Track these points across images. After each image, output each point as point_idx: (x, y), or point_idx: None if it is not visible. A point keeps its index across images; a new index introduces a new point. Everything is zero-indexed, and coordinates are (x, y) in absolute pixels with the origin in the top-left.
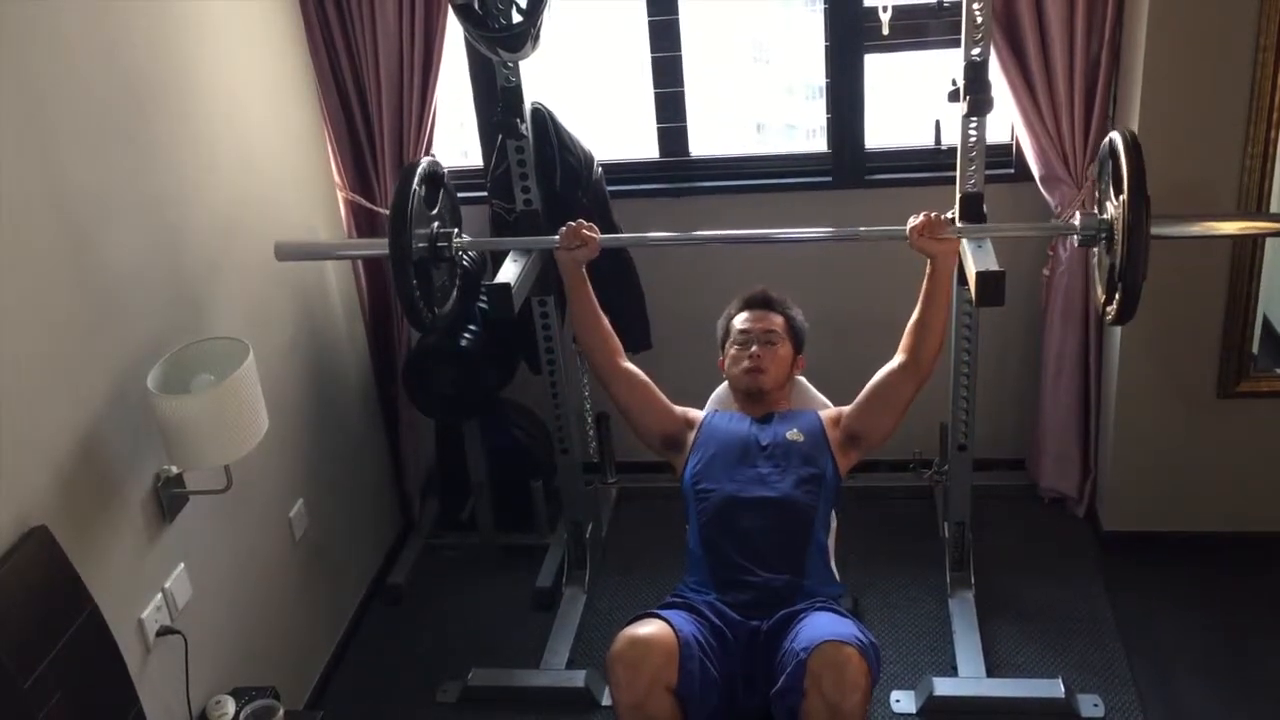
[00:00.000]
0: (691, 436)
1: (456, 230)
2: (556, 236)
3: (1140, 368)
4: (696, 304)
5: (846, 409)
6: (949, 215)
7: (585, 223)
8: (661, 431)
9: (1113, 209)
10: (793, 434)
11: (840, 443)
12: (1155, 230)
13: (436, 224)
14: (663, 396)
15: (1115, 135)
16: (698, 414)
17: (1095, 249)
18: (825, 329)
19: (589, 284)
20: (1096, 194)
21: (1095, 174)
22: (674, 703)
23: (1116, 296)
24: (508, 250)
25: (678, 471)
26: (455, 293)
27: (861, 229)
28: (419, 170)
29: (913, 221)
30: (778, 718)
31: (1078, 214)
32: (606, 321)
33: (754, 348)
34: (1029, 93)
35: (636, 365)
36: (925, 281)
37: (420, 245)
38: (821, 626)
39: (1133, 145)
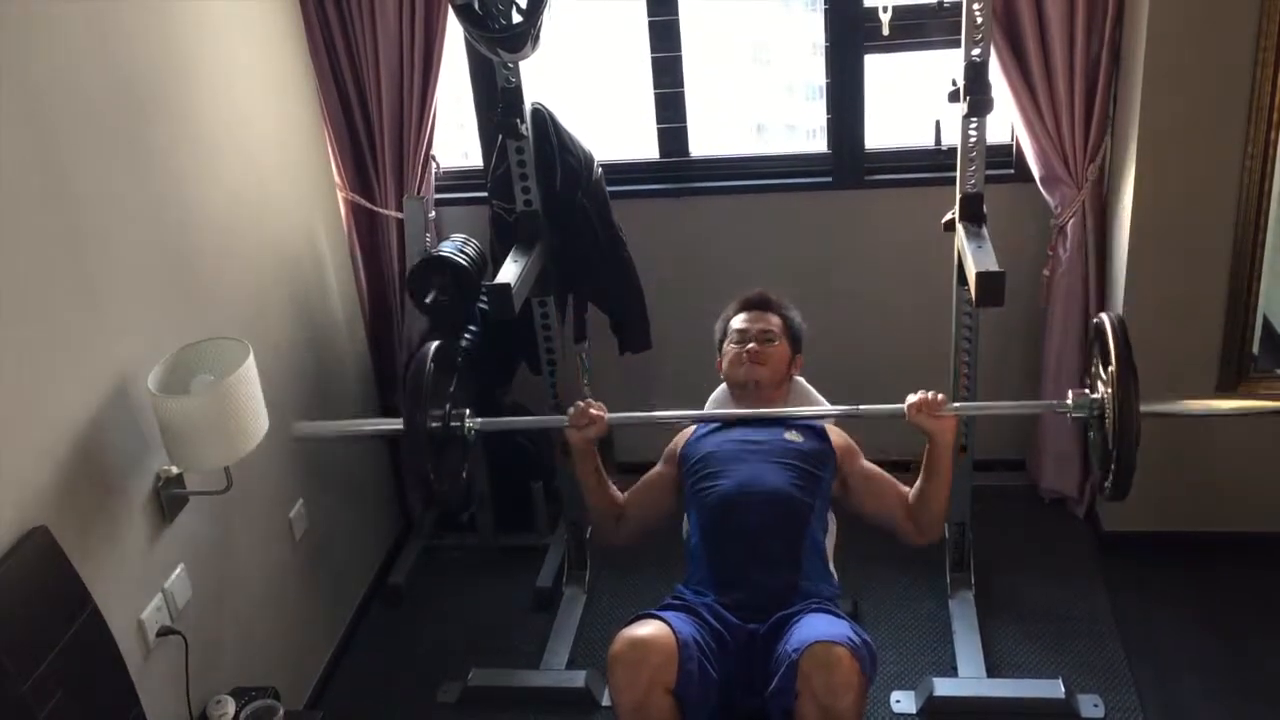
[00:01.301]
0: (678, 466)
1: (468, 410)
2: (565, 417)
3: (1141, 368)
4: (697, 304)
5: (856, 463)
6: (941, 396)
7: (594, 402)
8: (676, 492)
9: (1103, 388)
10: (791, 435)
11: (838, 473)
12: (1145, 409)
13: (449, 404)
14: (656, 476)
15: (1104, 318)
16: (676, 446)
17: (1089, 429)
18: (823, 329)
19: (600, 461)
20: (1089, 373)
21: (1089, 353)
22: (673, 703)
23: (1112, 471)
24: (519, 430)
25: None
26: (465, 470)
27: (862, 407)
28: (432, 352)
29: (911, 399)
30: (772, 719)
31: (1070, 394)
32: (612, 486)
33: (751, 345)
34: (1029, 93)
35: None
36: (924, 457)
37: (434, 424)
38: (814, 627)
39: (1119, 328)
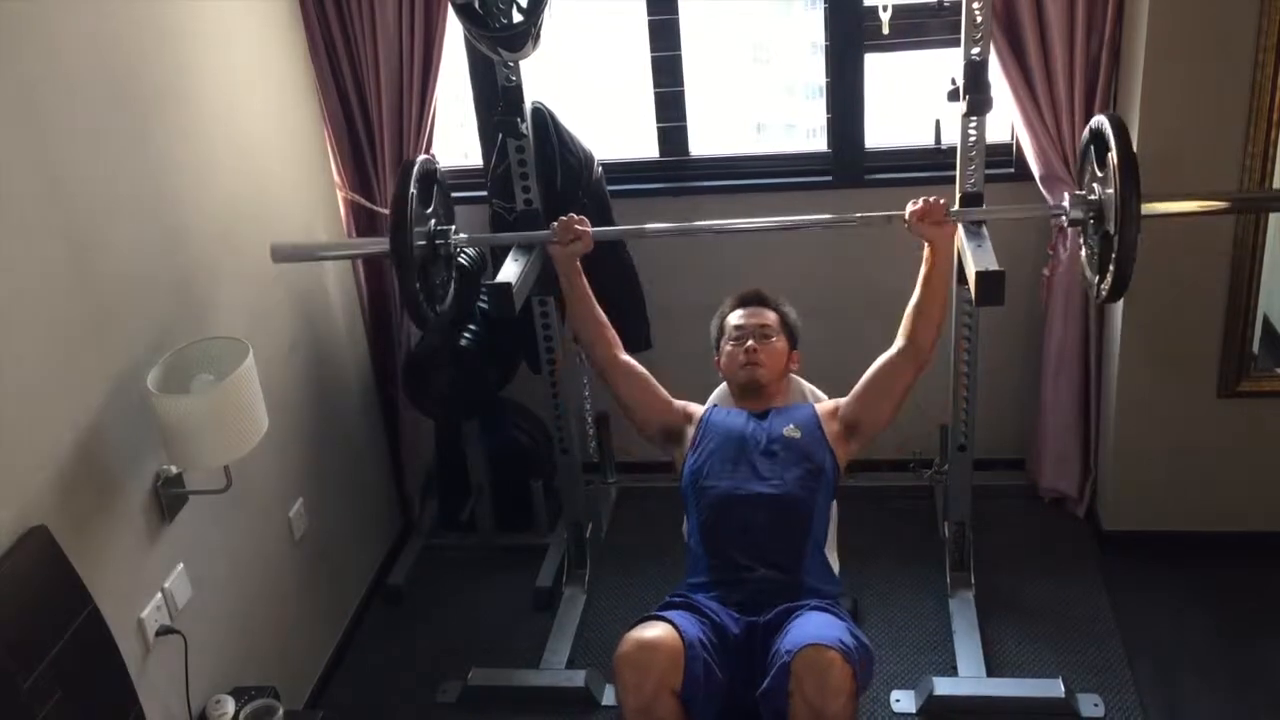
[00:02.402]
0: (691, 431)
1: (454, 227)
2: (550, 231)
3: (1140, 367)
4: (696, 304)
5: (843, 400)
6: (944, 200)
7: (578, 217)
8: (661, 425)
9: (1101, 190)
10: (790, 430)
11: (838, 434)
12: (1146, 209)
13: (434, 222)
14: (662, 390)
15: (1102, 119)
16: (698, 408)
17: (1085, 232)
18: (823, 327)
19: (584, 278)
20: (1081, 177)
21: (1081, 158)
22: (679, 705)
23: (1110, 273)
24: (503, 246)
25: (677, 467)
26: (453, 289)
27: (858, 215)
28: (415, 169)
29: (911, 206)
30: (765, 718)
31: (1066, 195)
32: (603, 315)
33: (750, 342)
34: (1029, 92)
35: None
36: (923, 266)
37: (420, 244)
38: (809, 628)
39: (1119, 126)
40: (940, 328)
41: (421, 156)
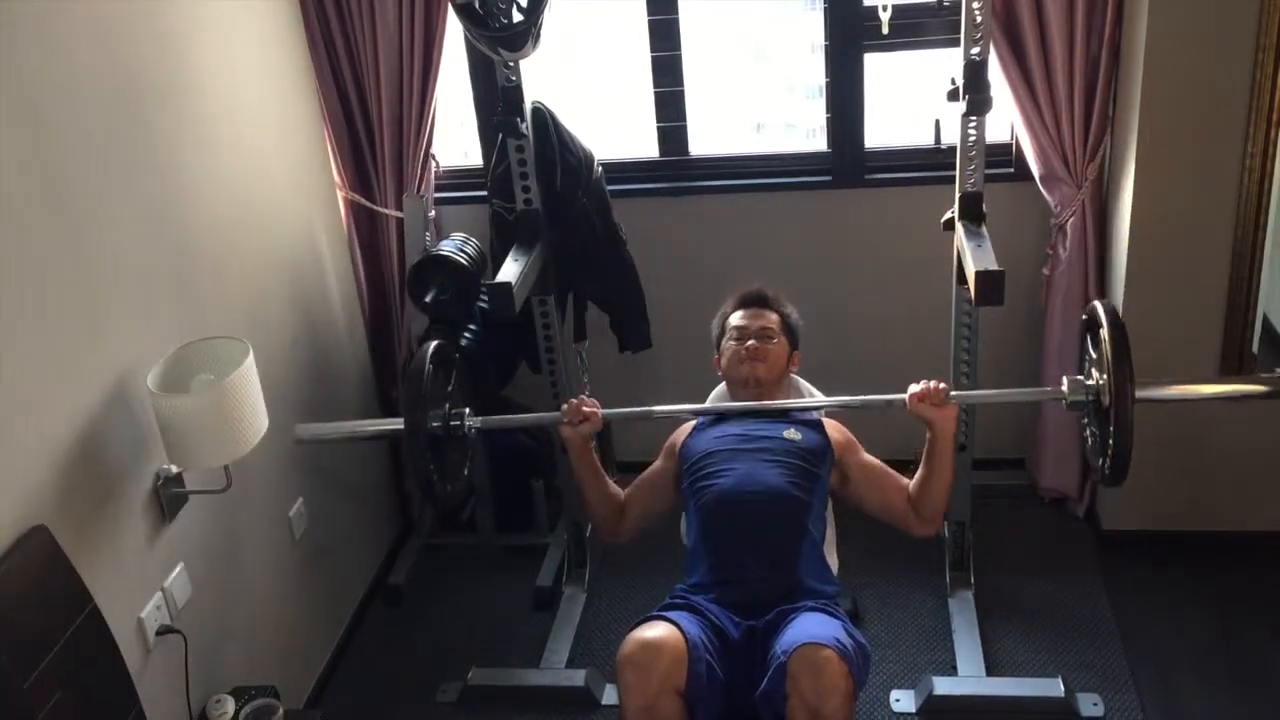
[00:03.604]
0: (678, 462)
1: (468, 409)
2: (559, 413)
3: (1140, 367)
4: (697, 304)
5: (856, 456)
6: (944, 385)
7: (587, 399)
8: (675, 492)
9: (1098, 374)
10: (790, 433)
11: (836, 466)
12: (1140, 395)
13: (448, 404)
14: (653, 477)
15: (1097, 305)
16: (676, 442)
17: (1085, 416)
18: (823, 328)
19: (596, 458)
20: (1085, 361)
21: (1080, 339)
22: (681, 705)
23: (1109, 459)
24: (519, 428)
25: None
26: (468, 470)
27: (860, 398)
28: (430, 351)
29: (913, 388)
30: (763, 719)
31: (1065, 380)
32: (610, 482)
33: (750, 341)
34: (1029, 92)
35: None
36: (926, 446)
37: (434, 425)
38: (804, 628)
39: (1112, 314)
40: (946, 503)
41: (435, 343)
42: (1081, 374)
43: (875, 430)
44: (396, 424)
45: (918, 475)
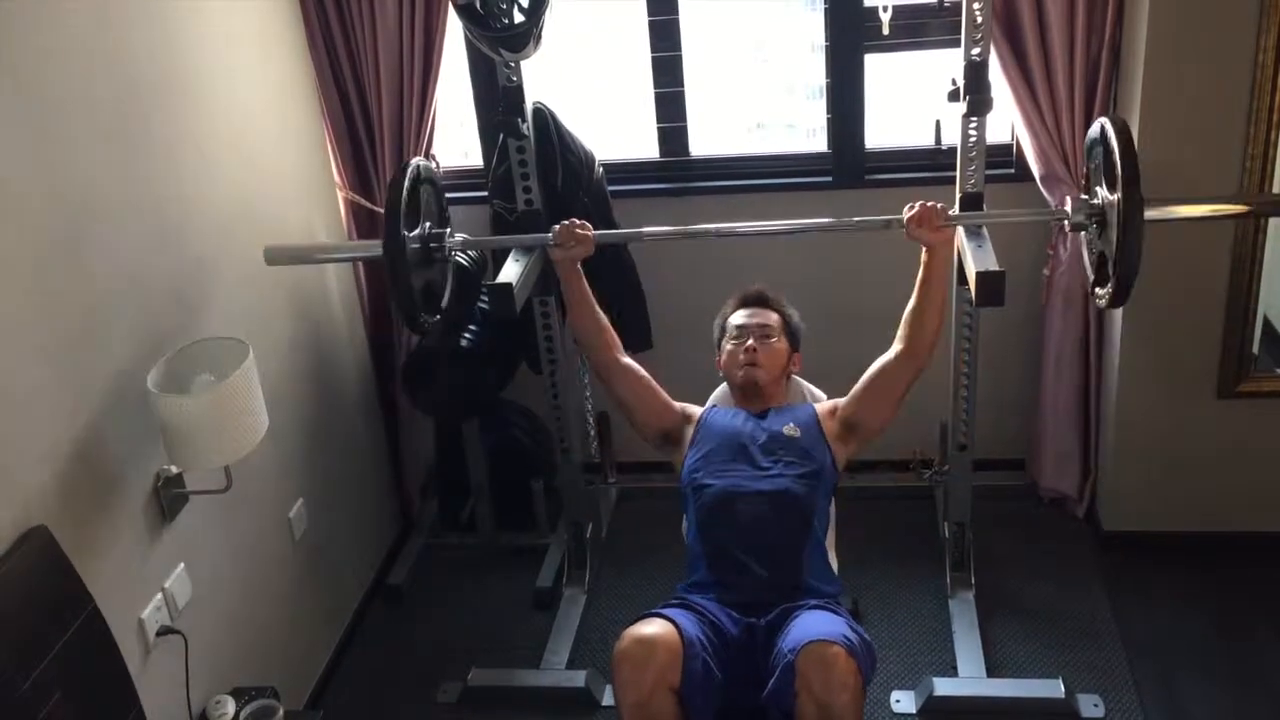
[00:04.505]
0: (690, 432)
1: (449, 230)
2: (551, 234)
3: (1140, 367)
4: (697, 304)
5: (842, 400)
6: (941, 205)
7: (579, 221)
8: (660, 427)
9: (1104, 194)
10: (790, 429)
11: (837, 433)
12: (1149, 215)
13: (428, 224)
14: (662, 392)
15: (1104, 122)
16: (696, 409)
17: (1086, 236)
18: (823, 328)
19: (585, 280)
20: (1085, 181)
21: (1085, 160)
22: (676, 703)
23: (1111, 281)
24: (502, 248)
25: (677, 469)
26: (449, 292)
27: (856, 219)
28: (409, 171)
29: (909, 211)
30: (772, 719)
31: (1068, 199)
32: (604, 317)
33: (750, 341)
34: (1029, 93)
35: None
36: (921, 269)
37: (414, 247)
38: (810, 626)
39: (1123, 130)
40: (938, 331)
41: (417, 159)
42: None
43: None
44: (374, 245)
45: (910, 305)
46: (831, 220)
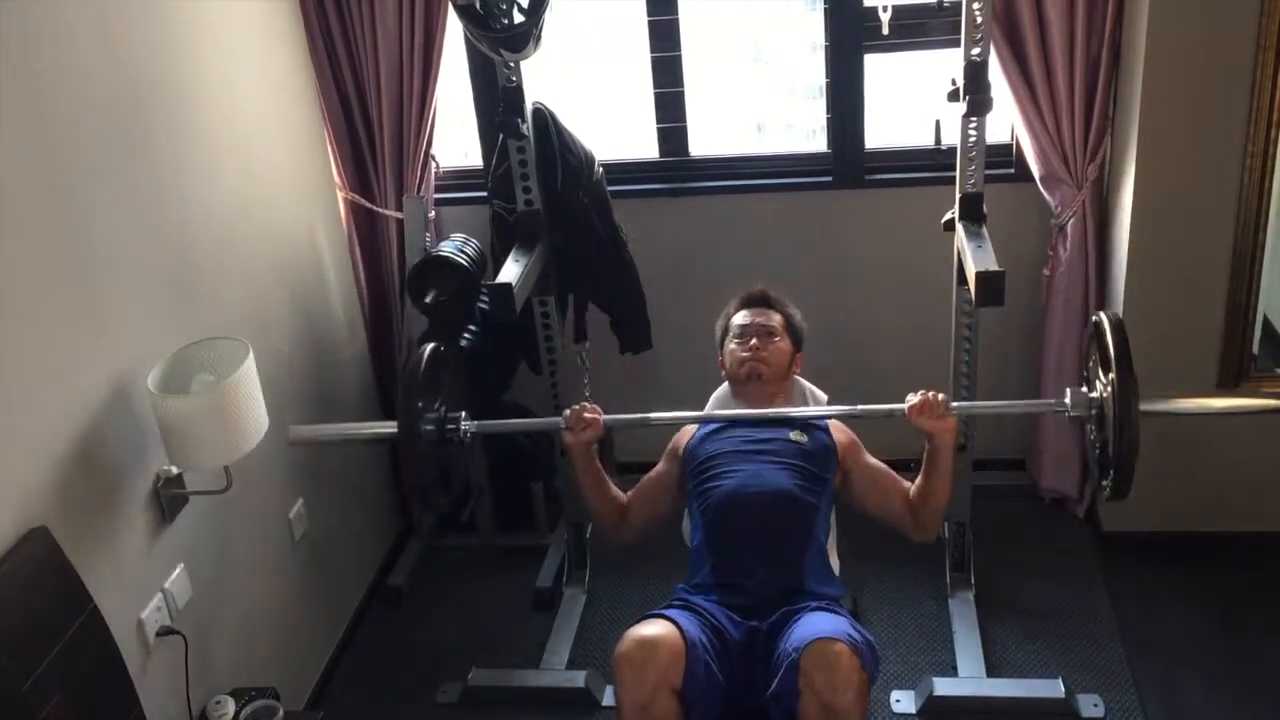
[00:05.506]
0: (681, 464)
1: (464, 413)
2: (560, 420)
3: (1140, 367)
4: (697, 304)
5: (859, 458)
6: (943, 397)
7: (588, 405)
8: (679, 492)
9: (1101, 387)
10: (795, 435)
11: (840, 468)
12: (1144, 408)
13: (443, 408)
14: (657, 478)
15: (1102, 317)
16: (680, 442)
17: (1087, 427)
18: (824, 328)
19: (599, 462)
20: (1084, 372)
21: (1085, 350)
22: (677, 704)
23: (1111, 473)
24: (514, 432)
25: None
26: (464, 474)
27: (860, 407)
28: (427, 355)
29: (911, 400)
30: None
31: (1068, 392)
32: (612, 486)
33: (753, 339)
34: (1029, 93)
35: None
36: (925, 457)
37: (430, 429)
38: (813, 626)
39: (1117, 327)
40: (943, 512)
41: (429, 346)
42: (1083, 382)
43: (878, 429)
44: (391, 428)
45: (917, 483)
46: (844, 408)
